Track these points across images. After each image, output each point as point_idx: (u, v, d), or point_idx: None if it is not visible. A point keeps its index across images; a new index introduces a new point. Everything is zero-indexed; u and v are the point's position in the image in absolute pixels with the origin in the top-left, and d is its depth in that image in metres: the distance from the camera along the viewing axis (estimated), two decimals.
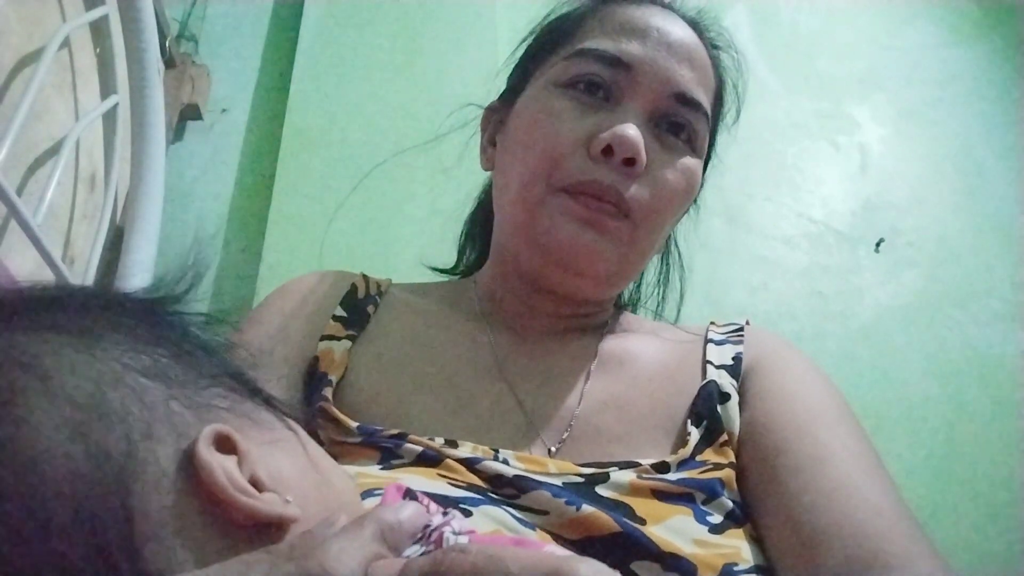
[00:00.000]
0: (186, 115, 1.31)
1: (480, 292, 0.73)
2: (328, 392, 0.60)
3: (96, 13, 1.02)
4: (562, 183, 0.62)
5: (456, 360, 0.65)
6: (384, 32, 1.39)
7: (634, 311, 0.81)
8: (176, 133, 1.30)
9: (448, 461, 0.53)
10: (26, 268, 0.85)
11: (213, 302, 0.41)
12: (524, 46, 0.74)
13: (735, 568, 0.48)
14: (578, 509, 0.48)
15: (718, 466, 0.56)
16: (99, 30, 1.06)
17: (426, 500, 0.39)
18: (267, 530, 0.32)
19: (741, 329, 0.69)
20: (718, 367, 0.64)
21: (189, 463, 0.32)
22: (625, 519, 0.48)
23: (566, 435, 0.60)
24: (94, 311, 0.35)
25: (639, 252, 0.66)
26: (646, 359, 0.66)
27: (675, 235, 0.79)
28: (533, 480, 0.51)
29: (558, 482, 0.52)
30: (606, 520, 0.48)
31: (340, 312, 0.69)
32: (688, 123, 0.65)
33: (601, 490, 0.52)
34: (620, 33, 0.66)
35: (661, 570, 0.46)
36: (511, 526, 0.47)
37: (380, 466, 0.54)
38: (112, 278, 1.02)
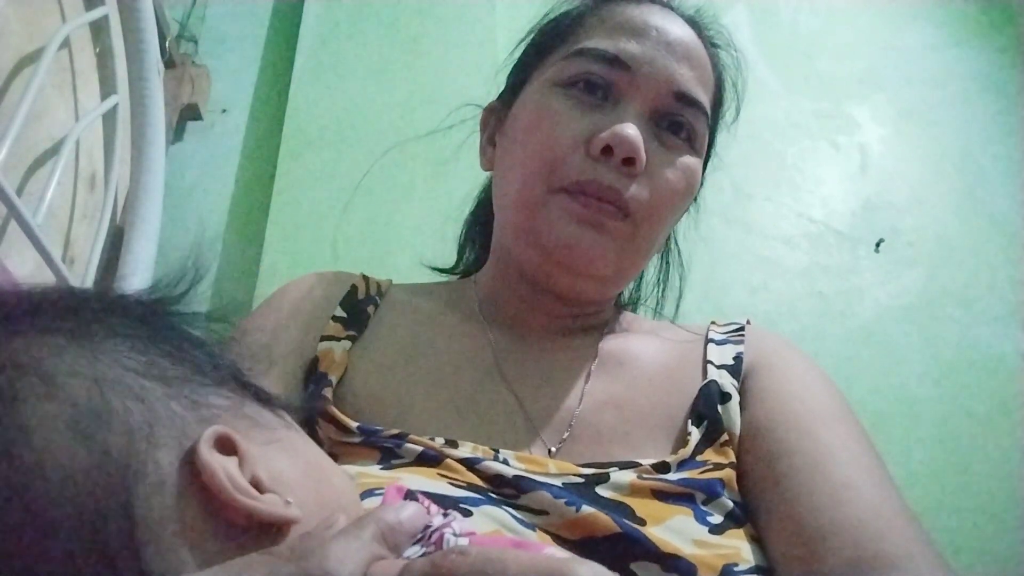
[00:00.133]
0: (186, 115, 1.31)
1: (480, 292, 0.73)
2: (328, 392, 0.60)
3: (96, 13, 1.02)
4: (562, 183, 0.62)
5: (456, 360, 0.65)
6: (384, 32, 1.39)
7: (634, 310, 0.81)
8: (176, 133, 1.30)
9: (448, 461, 0.53)
10: (26, 268, 0.85)
11: (213, 302, 0.40)
12: (523, 46, 0.74)
13: (735, 568, 0.48)
14: (578, 510, 0.48)
15: (718, 466, 0.56)
16: (99, 30, 1.06)
17: (426, 501, 0.39)
18: (268, 531, 0.32)
19: (742, 329, 0.69)
20: (719, 367, 0.64)
21: (190, 464, 0.32)
22: (625, 520, 0.48)
23: (566, 435, 0.60)
24: (95, 312, 0.35)
25: (639, 252, 0.66)
26: (646, 359, 0.66)
27: (675, 234, 0.79)
28: (533, 480, 0.51)
29: (558, 482, 0.52)
30: (606, 521, 0.48)
31: (340, 313, 0.69)
32: (688, 122, 0.65)
33: (601, 490, 0.52)
34: (619, 32, 0.65)
35: (661, 570, 0.46)
36: (511, 526, 0.47)
37: (380, 466, 0.54)
38: (112, 278, 1.02)
